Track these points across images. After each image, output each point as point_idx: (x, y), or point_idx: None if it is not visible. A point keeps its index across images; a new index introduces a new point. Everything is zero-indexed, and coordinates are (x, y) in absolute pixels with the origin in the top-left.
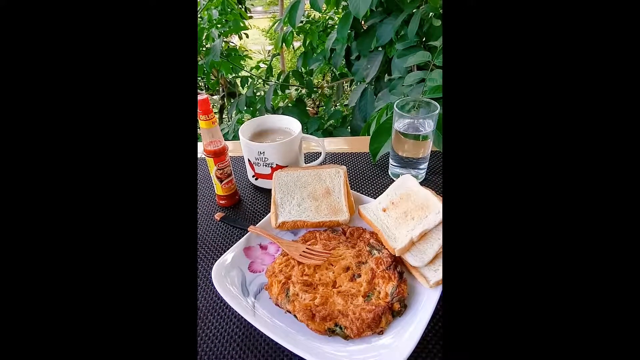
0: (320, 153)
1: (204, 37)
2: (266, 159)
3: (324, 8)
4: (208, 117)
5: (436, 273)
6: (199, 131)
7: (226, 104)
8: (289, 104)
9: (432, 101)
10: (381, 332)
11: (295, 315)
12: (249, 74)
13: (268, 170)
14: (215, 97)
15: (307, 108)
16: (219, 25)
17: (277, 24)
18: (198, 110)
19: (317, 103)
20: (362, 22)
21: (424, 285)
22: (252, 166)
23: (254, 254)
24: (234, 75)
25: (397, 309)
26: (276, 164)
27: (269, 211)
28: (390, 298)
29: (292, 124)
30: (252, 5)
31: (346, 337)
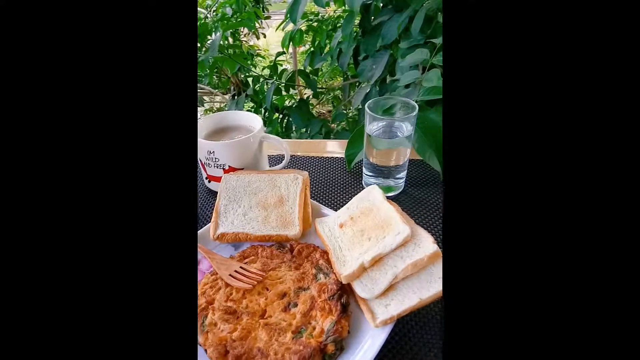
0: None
1: (208, 33)
2: (217, 160)
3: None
4: None
5: (386, 309)
6: None
7: None
8: (294, 104)
9: (411, 101)
10: None
11: (205, 350)
12: (260, 74)
13: (220, 173)
14: (226, 96)
15: (322, 110)
16: (224, 21)
17: (285, 22)
18: None
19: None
20: (372, 20)
21: (370, 323)
22: (204, 167)
23: None
24: (245, 74)
25: (330, 351)
26: (229, 166)
27: None
28: (325, 337)
29: (255, 122)
30: (270, 5)
31: None
